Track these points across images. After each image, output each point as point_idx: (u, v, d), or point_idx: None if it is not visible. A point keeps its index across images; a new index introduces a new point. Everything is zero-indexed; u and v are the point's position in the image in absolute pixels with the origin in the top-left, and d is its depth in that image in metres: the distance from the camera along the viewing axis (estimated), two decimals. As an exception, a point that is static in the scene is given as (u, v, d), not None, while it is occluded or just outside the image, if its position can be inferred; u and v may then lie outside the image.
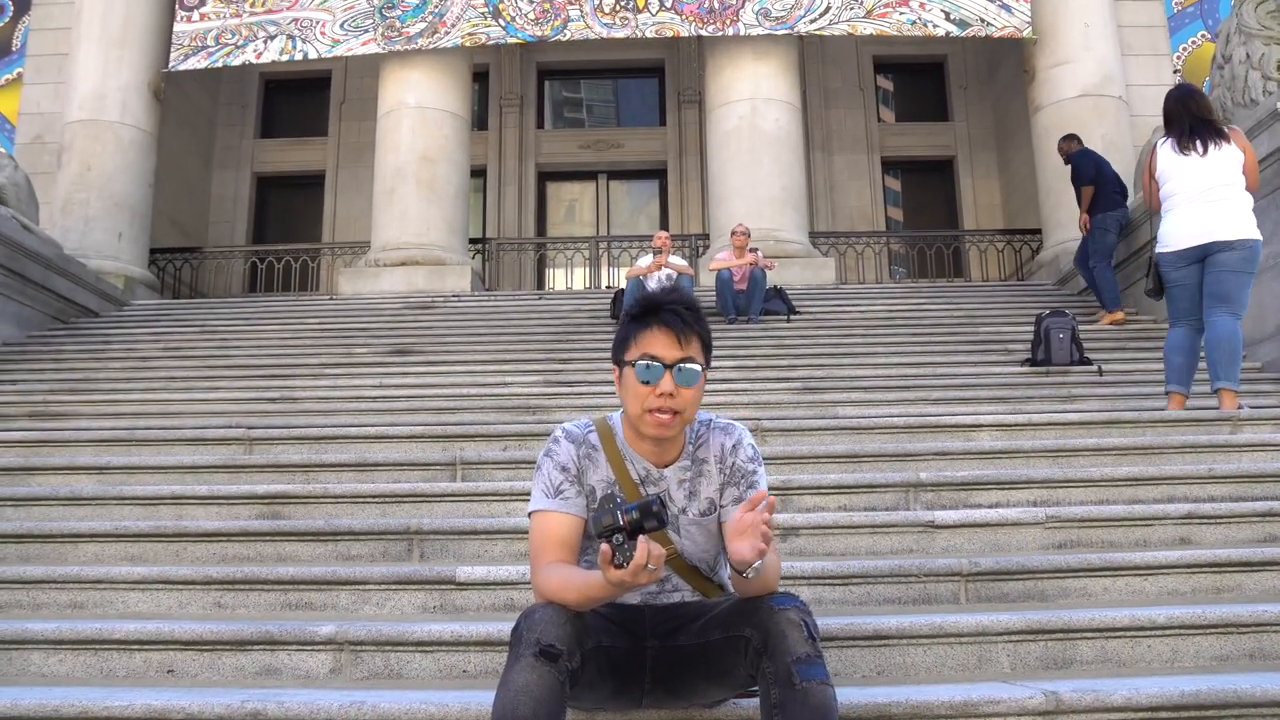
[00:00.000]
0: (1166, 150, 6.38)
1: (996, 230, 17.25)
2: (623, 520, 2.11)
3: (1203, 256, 6.17)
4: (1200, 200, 6.17)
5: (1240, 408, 6.12)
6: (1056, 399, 7.40)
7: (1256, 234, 6.13)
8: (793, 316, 10.90)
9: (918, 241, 17.60)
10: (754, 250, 11.19)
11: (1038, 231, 14.96)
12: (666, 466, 2.53)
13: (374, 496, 4.95)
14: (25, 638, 3.46)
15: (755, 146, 14.09)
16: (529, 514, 2.52)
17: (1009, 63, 17.00)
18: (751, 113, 14.21)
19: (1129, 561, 3.89)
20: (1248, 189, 6.20)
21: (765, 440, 5.74)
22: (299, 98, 19.78)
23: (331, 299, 13.71)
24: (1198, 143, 6.21)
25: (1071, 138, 11.42)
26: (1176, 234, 6.27)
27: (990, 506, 4.68)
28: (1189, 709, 2.78)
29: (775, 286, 11.24)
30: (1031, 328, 8.79)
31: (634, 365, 2.42)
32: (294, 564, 4.29)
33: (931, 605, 3.78)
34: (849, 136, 19.16)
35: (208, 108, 18.80)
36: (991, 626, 3.29)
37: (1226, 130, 6.31)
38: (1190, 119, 6.30)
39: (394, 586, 3.90)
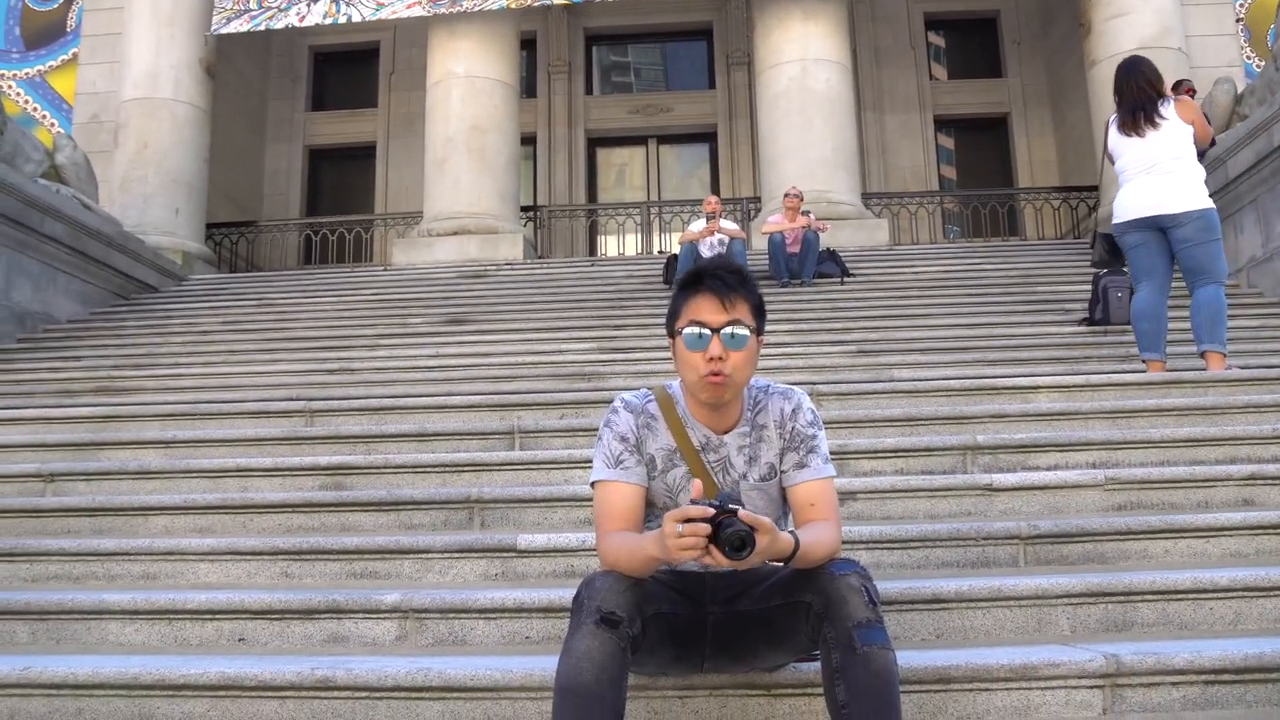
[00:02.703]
0: (1114, 128, 6.40)
1: (1052, 188, 17.00)
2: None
3: (1155, 225, 6.20)
4: (1147, 175, 6.21)
5: (1229, 368, 6.08)
6: (1115, 359, 7.31)
7: (1206, 203, 6.14)
8: (846, 279, 10.84)
9: (971, 201, 17.37)
10: (806, 213, 11.14)
11: (1094, 188, 14.70)
12: (726, 433, 2.55)
13: (434, 466, 5.01)
14: (102, 608, 3.57)
15: (806, 108, 13.97)
16: (591, 484, 2.56)
17: (1064, 16, 16.68)
18: (801, 74, 14.08)
19: (1190, 523, 3.85)
20: (1198, 143, 6.21)
21: (820, 404, 5.71)
22: (348, 69, 19.89)
23: (385, 270, 13.83)
24: (1140, 123, 6.21)
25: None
26: (1127, 206, 6.33)
27: (1049, 469, 4.64)
28: (1253, 671, 2.76)
29: (828, 249, 11.18)
30: (1089, 287, 8.67)
31: (683, 333, 2.45)
32: (358, 534, 4.36)
33: (990, 568, 3.77)
34: (900, 95, 18.93)
35: (259, 82, 18.97)
36: (1050, 589, 3.28)
37: (1174, 100, 6.26)
38: (1133, 95, 6.28)
39: (456, 555, 3.96)
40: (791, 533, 2.27)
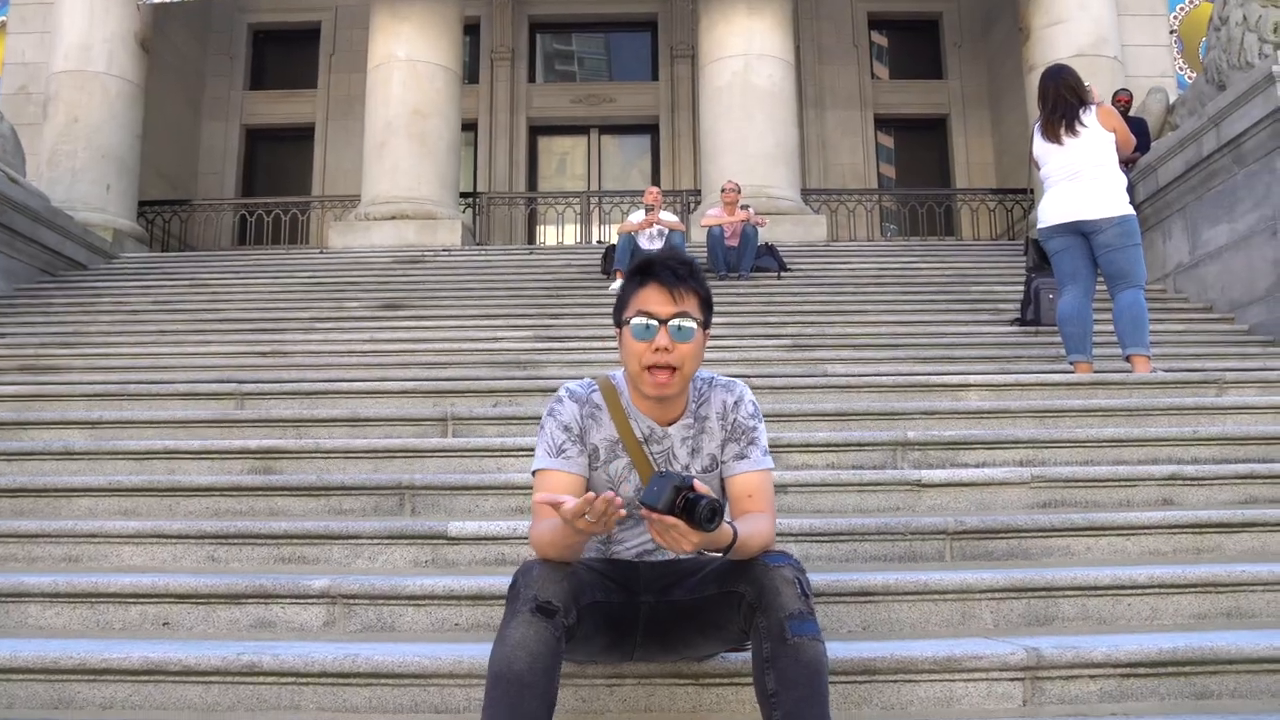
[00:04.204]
0: (1038, 135, 6.54)
1: (988, 189, 17.24)
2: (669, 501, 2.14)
3: (1076, 231, 6.36)
4: (1070, 182, 6.36)
5: (1154, 370, 6.23)
6: (1045, 359, 7.44)
7: (1126, 210, 6.30)
8: (783, 273, 10.92)
9: (909, 199, 17.56)
10: (745, 207, 11.18)
11: (1029, 191, 14.93)
12: (670, 424, 2.56)
13: (366, 452, 4.97)
14: (22, 590, 3.49)
15: (748, 103, 14.03)
16: (532, 472, 2.56)
17: (1004, 20, 16.92)
18: (745, 69, 14.14)
19: (1112, 521, 3.94)
20: (1121, 150, 6.39)
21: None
22: (288, 49, 19.61)
23: (322, 252, 13.68)
24: (1061, 131, 6.35)
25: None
26: (1050, 212, 6.49)
27: (977, 466, 4.71)
28: (1167, 665, 2.84)
29: (766, 243, 11.24)
30: (1022, 287, 8.82)
31: (630, 324, 2.45)
32: (286, 518, 4.31)
33: (917, 562, 3.83)
34: (842, 93, 19.07)
35: (196, 59, 18.62)
36: (975, 584, 3.34)
37: (1096, 107, 6.40)
38: (1053, 102, 6.43)
39: (386, 541, 3.93)
40: (729, 523, 2.29)
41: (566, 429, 2.53)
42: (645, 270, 2.50)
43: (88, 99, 14.16)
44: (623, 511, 2.16)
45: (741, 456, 2.56)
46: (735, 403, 2.59)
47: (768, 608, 2.28)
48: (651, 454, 2.55)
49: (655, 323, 2.42)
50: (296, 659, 2.84)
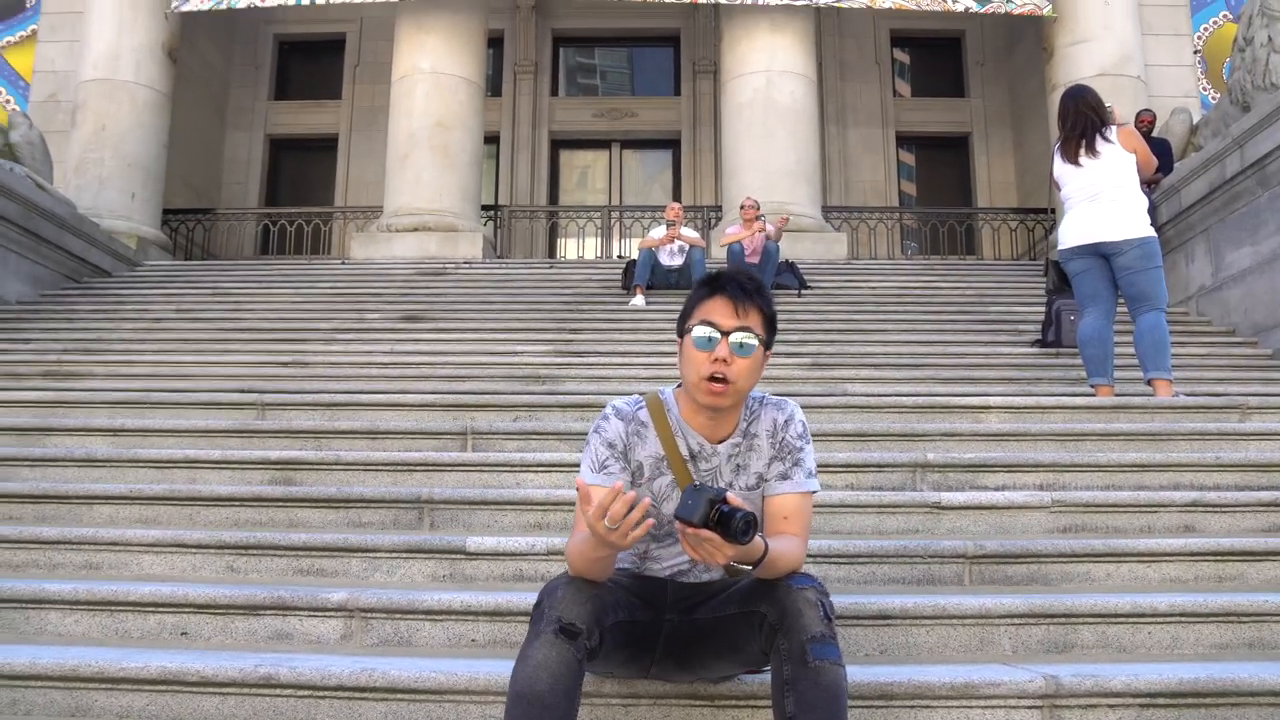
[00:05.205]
0: (1058, 155, 6.52)
1: (1010, 209, 17.19)
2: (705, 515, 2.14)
3: (1097, 253, 6.34)
4: (1091, 203, 6.34)
5: (1176, 395, 6.19)
6: (1066, 381, 7.41)
7: (1147, 231, 6.27)
8: (803, 291, 10.89)
9: (930, 218, 17.53)
10: (761, 218, 11.16)
11: (1051, 211, 14.90)
12: (721, 442, 2.56)
13: (385, 464, 4.99)
14: (43, 597, 3.52)
15: (769, 119, 14.03)
16: (576, 486, 2.57)
17: (1027, 40, 16.88)
18: (767, 85, 14.15)
19: (1133, 548, 3.92)
20: (1142, 171, 6.35)
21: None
22: (313, 60, 19.73)
23: (344, 263, 13.72)
24: (1081, 152, 6.33)
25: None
26: (1070, 234, 6.46)
27: (997, 489, 4.70)
28: (1187, 696, 2.82)
29: (787, 260, 11.22)
30: (1043, 308, 8.78)
31: (692, 333, 2.46)
32: (305, 530, 4.34)
33: (936, 586, 3.81)
34: (864, 110, 19.06)
35: (222, 69, 18.77)
36: (994, 609, 3.33)
37: (1117, 128, 6.38)
38: (1073, 122, 6.41)
39: (404, 555, 3.95)
40: (762, 537, 2.28)
41: (611, 445, 2.54)
42: (714, 282, 2.51)
43: (115, 108, 14.27)
44: (650, 520, 2.16)
45: (785, 477, 2.56)
46: (786, 421, 2.59)
47: (790, 630, 2.28)
48: (699, 471, 2.55)
49: (717, 334, 2.43)
50: (313, 672, 2.85)
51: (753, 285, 2.48)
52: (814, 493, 2.59)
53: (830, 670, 2.23)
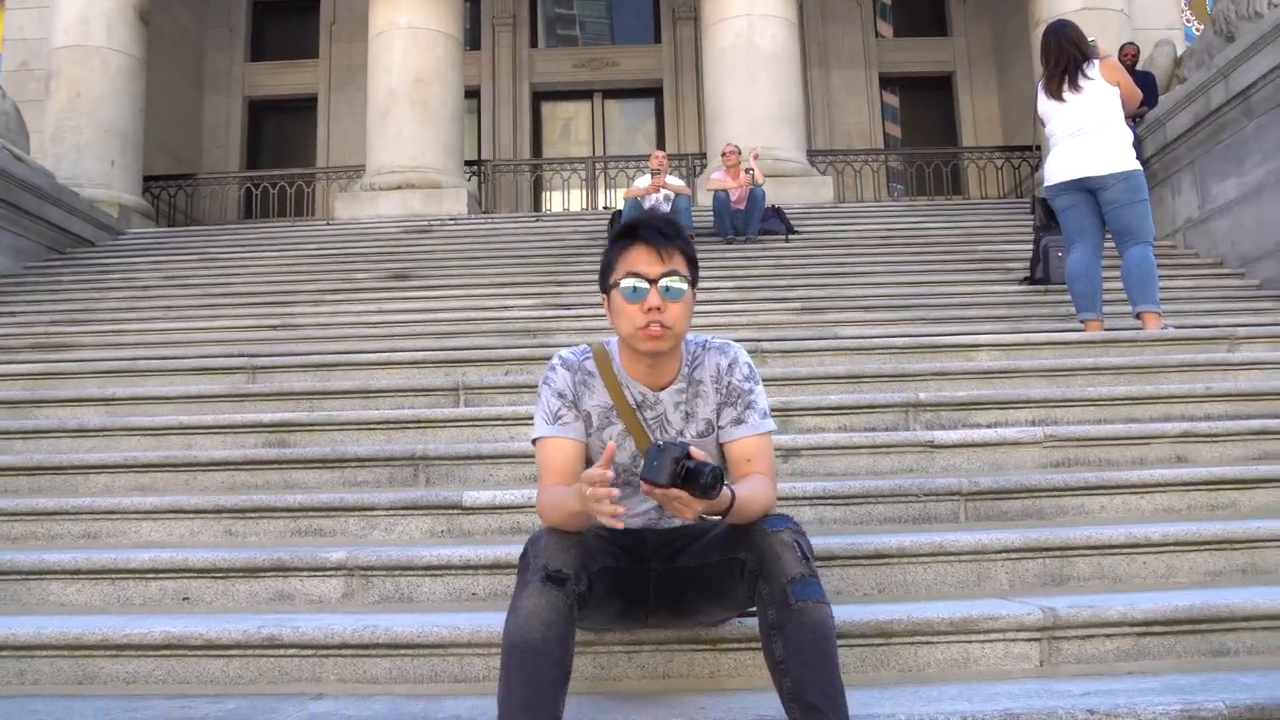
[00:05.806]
0: (1042, 92, 6.50)
1: (995, 147, 17.12)
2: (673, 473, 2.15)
3: (1083, 188, 6.34)
4: (1075, 138, 6.32)
5: (1165, 327, 6.22)
6: (1055, 318, 7.42)
7: (1132, 165, 6.27)
8: (791, 236, 10.88)
9: (916, 159, 17.49)
10: (749, 172, 11.11)
11: (1037, 148, 14.85)
12: (663, 389, 2.56)
13: (379, 423, 4.99)
14: (43, 568, 3.53)
15: (752, 64, 13.90)
16: (532, 441, 2.57)
17: (1009, -25, 16.75)
18: (748, 29, 14.00)
19: (1126, 480, 3.94)
20: (1126, 104, 6.35)
21: (765, 361, 5.76)
22: (288, 19, 19.50)
23: (328, 224, 13.65)
24: (1064, 88, 6.31)
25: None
26: (1055, 170, 6.47)
27: (989, 426, 4.72)
28: (1183, 623, 2.85)
29: (773, 206, 11.19)
30: (1031, 246, 8.77)
31: (619, 286, 2.45)
32: (302, 491, 4.33)
33: (931, 524, 3.83)
34: (846, 52, 18.94)
35: (195, 31, 18.54)
36: (990, 545, 3.35)
37: (1100, 62, 6.35)
38: (1055, 58, 6.38)
39: (402, 512, 3.95)
40: (728, 486, 2.28)
41: (561, 396, 2.54)
42: (630, 232, 2.49)
43: (89, 74, 14.07)
44: (616, 491, 2.15)
45: (739, 421, 2.55)
46: (729, 365, 2.58)
47: (769, 574, 2.28)
48: (645, 420, 2.54)
49: (645, 284, 2.42)
50: (316, 631, 2.87)
51: (671, 229, 2.47)
52: (771, 432, 2.57)
53: (814, 609, 2.23)
